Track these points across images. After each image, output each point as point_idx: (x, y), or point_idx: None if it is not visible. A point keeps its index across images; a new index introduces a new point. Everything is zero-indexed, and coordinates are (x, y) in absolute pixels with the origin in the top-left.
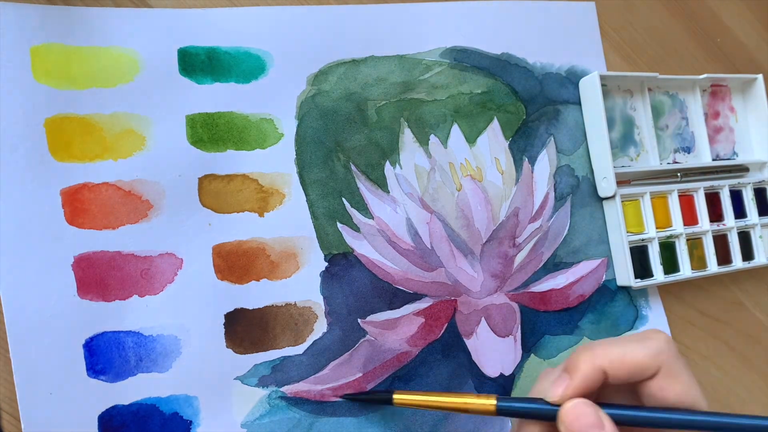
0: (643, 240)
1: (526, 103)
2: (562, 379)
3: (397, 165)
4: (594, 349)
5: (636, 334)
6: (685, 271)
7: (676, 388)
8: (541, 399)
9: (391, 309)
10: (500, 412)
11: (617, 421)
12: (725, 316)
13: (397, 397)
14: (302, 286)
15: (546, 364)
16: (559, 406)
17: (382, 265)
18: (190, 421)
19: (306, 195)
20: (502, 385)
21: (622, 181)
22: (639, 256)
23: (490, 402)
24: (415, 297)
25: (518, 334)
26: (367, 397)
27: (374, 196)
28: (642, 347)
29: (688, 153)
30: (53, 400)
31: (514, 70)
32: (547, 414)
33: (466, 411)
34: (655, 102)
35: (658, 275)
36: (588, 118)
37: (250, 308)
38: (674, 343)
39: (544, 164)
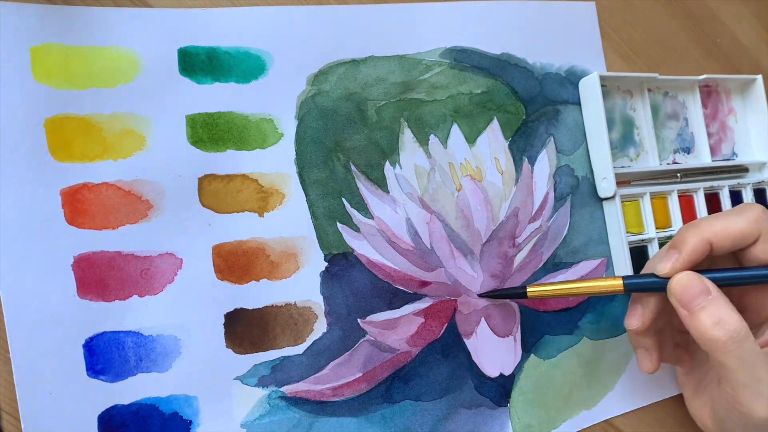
0: (642, 240)
1: (525, 103)
2: (670, 254)
3: (397, 165)
4: (698, 225)
5: (733, 209)
6: None
7: None
8: (652, 274)
9: (391, 309)
10: (628, 289)
11: (722, 284)
12: None
13: (531, 290)
14: (302, 286)
15: (546, 364)
16: (668, 279)
17: (382, 265)
18: (190, 421)
19: (306, 195)
20: (502, 385)
21: (622, 181)
22: (639, 256)
23: (617, 282)
24: (415, 297)
25: (518, 334)
26: (501, 293)
27: (374, 196)
28: (742, 218)
29: (688, 153)
30: (53, 400)
31: (514, 70)
32: (663, 286)
33: (596, 293)
34: (654, 102)
35: None
36: (588, 119)
37: (250, 308)
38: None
39: (544, 164)
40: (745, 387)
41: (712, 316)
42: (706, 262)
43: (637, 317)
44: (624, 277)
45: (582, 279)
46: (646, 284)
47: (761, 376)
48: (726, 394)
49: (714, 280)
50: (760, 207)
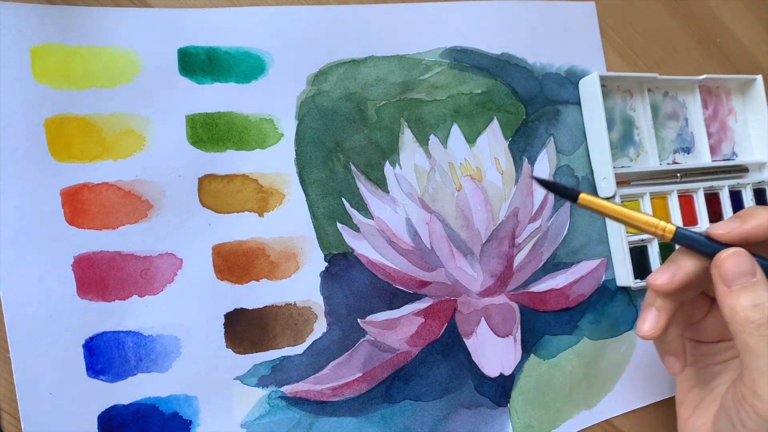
0: (642, 240)
1: (525, 103)
2: (731, 221)
3: (396, 165)
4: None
5: None
6: None
7: None
8: (706, 235)
9: (391, 309)
10: (676, 239)
11: None
12: None
13: (584, 196)
14: (302, 286)
15: (546, 365)
16: (721, 245)
17: (382, 265)
18: (190, 421)
19: (306, 195)
20: (502, 385)
21: (622, 181)
22: (638, 256)
23: (670, 227)
24: (415, 297)
25: (518, 334)
26: (555, 188)
27: (374, 196)
28: None
29: (688, 153)
30: (53, 400)
31: (514, 70)
32: (713, 250)
33: (643, 229)
34: (654, 102)
35: None
36: (588, 119)
37: (250, 308)
38: None
39: (544, 164)
40: (766, 375)
41: (753, 297)
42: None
43: (668, 275)
44: (678, 227)
45: (637, 210)
46: (695, 240)
47: None
48: (743, 385)
49: (765, 268)
50: None
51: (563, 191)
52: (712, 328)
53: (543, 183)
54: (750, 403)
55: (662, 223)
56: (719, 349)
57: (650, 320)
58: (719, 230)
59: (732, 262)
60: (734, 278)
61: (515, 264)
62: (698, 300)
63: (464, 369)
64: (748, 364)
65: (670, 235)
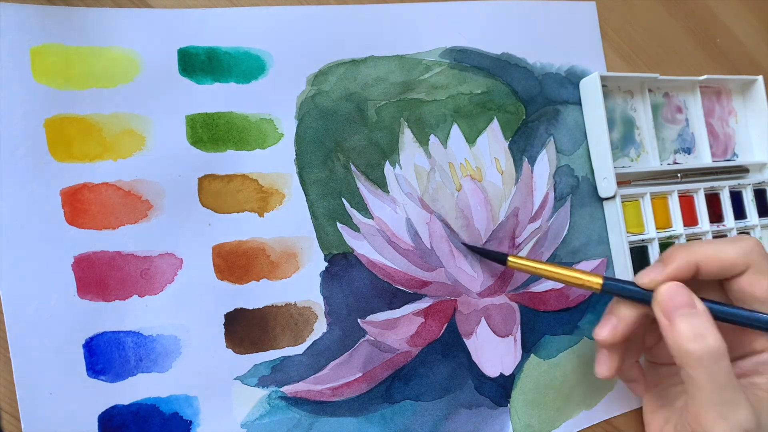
0: (643, 240)
1: (525, 103)
2: (656, 267)
3: (396, 165)
4: (690, 246)
5: (728, 238)
6: None
7: (764, 284)
8: (633, 282)
9: (391, 309)
10: (605, 290)
11: (714, 315)
12: None
13: (512, 260)
14: (302, 286)
15: (546, 365)
16: (650, 291)
17: (382, 265)
18: (190, 421)
19: (306, 195)
20: (502, 385)
21: (623, 181)
22: (639, 256)
23: (596, 280)
24: (415, 297)
25: (518, 334)
26: (484, 252)
27: (374, 197)
28: (733, 246)
29: (689, 154)
30: (53, 400)
31: (514, 70)
32: (643, 297)
33: (571, 284)
34: (655, 102)
35: None
36: (588, 119)
37: (250, 308)
38: (762, 245)
39: (544, 164)
40: (710, 407)
41: (694, 328)
42: (692, 286)
43: (609, 329)
44: (605, 277)
45: (565, 266)
46: (624, 290)
47: (728, 399)
48: (688, 414)
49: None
50: (754, 240)
51: (493, 255)
52: (666, 352)
53: (472, 248)
54: (694, 429)
55: (588, 278)
56: (676, 370)
57: (609, 327)
58: (644, 279)
59: (670, 293)
60: (674, 309)
61: None
62: (651, 326)
63: (464, 369)
64: (692, 395)
65: (598, 287)
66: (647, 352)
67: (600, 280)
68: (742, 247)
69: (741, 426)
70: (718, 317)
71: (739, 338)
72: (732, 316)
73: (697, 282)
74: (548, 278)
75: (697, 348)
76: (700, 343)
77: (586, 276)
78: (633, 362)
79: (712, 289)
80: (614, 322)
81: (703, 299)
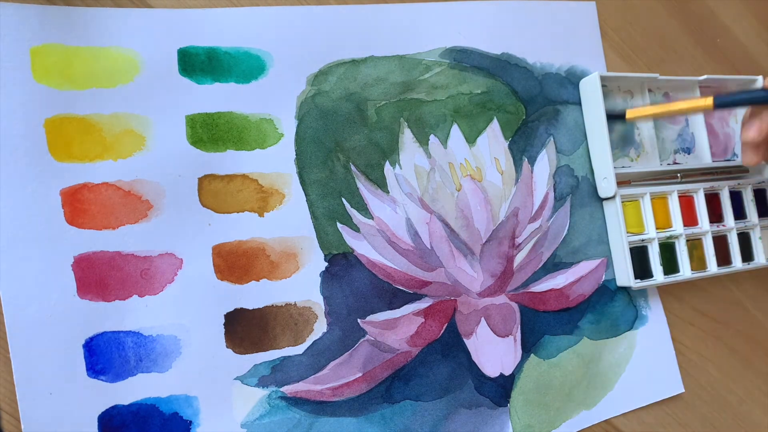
0: (643, 240)
1: (525, 103)
2: None
3: (396, 165)
4: None
5: None
6: (685, 271)
7: None
8: (758, 90)
9: (391, 309)
10: (717, 104)
11: None
12: (725, 317)
13: (629, 112)
14: (302, 286)
15: (546, 364)
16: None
17: (382, 265)
18: (190, 421)
19: (306, 195)
20: (502, 385)
21: (623, 181)
22: (639, 256)
23: (707, 101)
24: (415, 297)
25: (518, 334)
26: (608, 114)
27: (374, 197)
28: None
29: (688, 154)
30: (53, 400)
31: (514, 70)
32: (747, 101)
33: (686, 112)
34: (655, 103)
35: (658, 276)
36: (588, 119)
37: (250, 308)
38: None
39: (544, 164)
40: None
41: None
42: None
43: (755, 130)
44: (715, 96)
45: (676, 102)
46: (734, 100)
47: None
48: None
49: None
50: None
51: (614, 113)
52: None
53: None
54: None
55: (699, 102)
56: None
57: (755, 128)
58: None
59: None
60: None
61: (515, 264)
62: None
63: (464, 369)
64: None
65: (711, 104)
66: None
67: (710, 101)
68: None
69: None
70: None
71: None
72: None
73: None
74: (667, 114)
75: None
76: None
77: (697, 102)
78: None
79: None
80: (758, 123)
81: None
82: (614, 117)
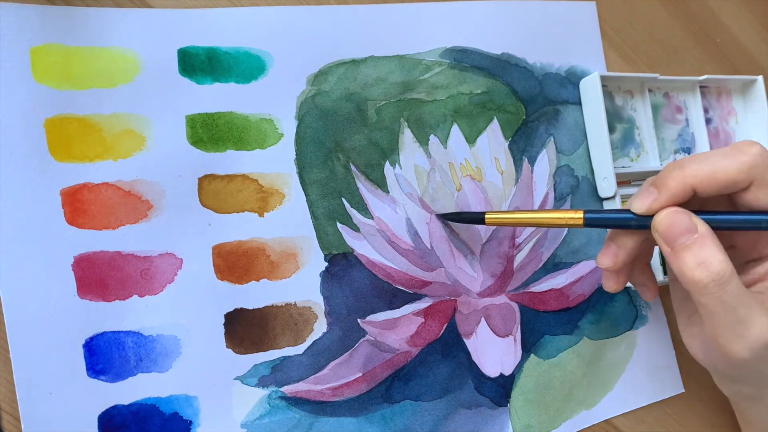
0: None
1: (525, 103)
2: (649, 192)
3: (396, 165)
4: (684, 167)
5: (727, 147)
6: None
7: None
8: (627, 210)
9: (391, 309)
10: (588, 223)
11: (711, 225)
12: None
13: (489, 216)
14: (302, 286)
15: (546, 365)
16: (646, 216)
17: (382, 265)
18: (190, 421)
19: (306, 195)
20: (502, 385)
21: (623, 181)
22: None
23: (577, 215)
24: (415, 297)
25: (518, 334)
26: (460, 218)
27: (374, 196)
28: (734, 162)
29: (688, 154)
30: (53, 400)
31: (514, 70)
32: (636, 223)
33: (554, 225)
34: (655, 102)
35: (658, 276)
36: (588, 119)
37: (250, 308)
38: (767, 152)
39: (544, 164)
40: (725, 329)
41: (696, 256)
42: (697, 201)
43: (610, 257)
44: (586, 210)
45: (541, 210)
46: (615, 220)
47: (742, 318)
48: (707, 334)
49: (708, 221)
50: (757, 148)
51: (471, 216)
52: None
53: (448, 217)
54: (715, 347)
55: (569, 215)
56: None
57: (609, 255)
58: (639, 206)
59: (668, 222)
60: (675, 239)
61: (515, 264)
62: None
63: (464, 369)
64: (706, 319)
65: (581, 221)
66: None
67: (581, 215)
68: (743, 162)
69: (760, 338)
70: (722, 227)
71: (753, 241)
72: (737, 223)
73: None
74: (528, 225)
75: (703, 276)
76: (704, 271)
77: (566, 214)
78: (642, 267)
79: (716, 198)
80: (614, 250)
81: (703, 212)
82: (473, 220)
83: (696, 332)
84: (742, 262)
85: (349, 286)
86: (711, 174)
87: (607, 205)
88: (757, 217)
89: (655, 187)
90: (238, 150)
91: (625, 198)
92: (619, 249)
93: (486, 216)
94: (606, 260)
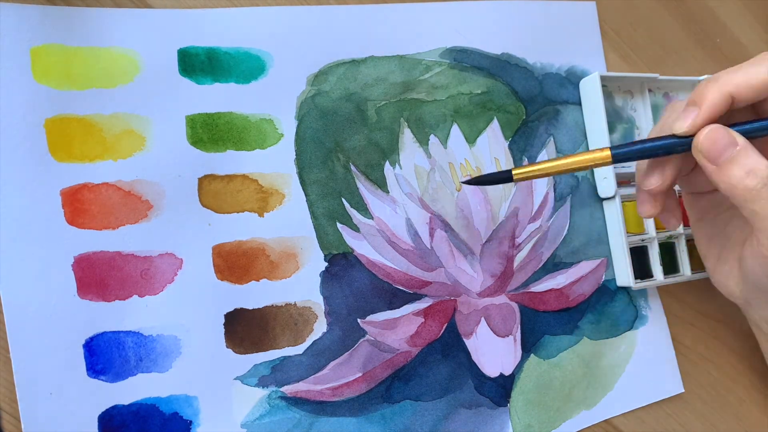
0: (643, 240)
1: (525, 103)
2: (689, 111)
3: (396, 165)
4: (718, 79)
5: (751, 60)
6: (685, 271)
7: None
8: (671, 135)
9: (391, 309)
10: (616, 159)
11: (748, 135)
12: (725, 317)
13: (516, 171)
14: (302, 286)
15: (546, 365)
16: (687, 137)
17: (382, 265)
18: (190, 421)
19: (306, 195)
20: (502, 385)
21: (623, 181)
22: (639, 256)
23: (604, 153)
24: (415, 297)
25: (518, 334)
26: (487, 178)
27: (374, 197)
28: (763, 67)
29: None
30: (53, 400)
31: (514, 70)
32: (675, 147)
33: (582, 168)
34: (655, 103)
35: (658, 276)
36: (588, 119)
37: (250, 308)
38: None
39: None
40: None
41: (743, 166)
42: (724, 117)
43: (657, 177)
44: (612, 147)
45: (567, 155)
46: (634, 152)
47: None
48: (760, 245)
49: (742, 132)
50: None
51: (497, 177)
52: (704, 179)
53: (473, 182)
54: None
55: (595, 155)
56: (720, 197)
57: (656, 176)
58: (682, 128)
59: (710, 140)
60: (718, 155)
61: (515, 264)
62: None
63: (464, 369)
64: (759, 227)
65: (609, 158)
66: (684, 181)
67: (608, 152)
68: None
69: None
70: (758, 135)
71: None
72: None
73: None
74: (556, 173)
75: (755, 183)
76: (754, 178)
77: (593, 155)
78: (669, 193)
79: (743, 114)
80: (660, 171)
81: (733, 124)
82: (499, 180)
83: (728, 269)
84: None
85: (349, 286)
86: (746, 81)
87: (607, 205)
88: None
89: (693, 104)
90: (238, 150)
91: (625, 198)
92: (663, 170)
93: (513, 172)
94: (653, 180)
